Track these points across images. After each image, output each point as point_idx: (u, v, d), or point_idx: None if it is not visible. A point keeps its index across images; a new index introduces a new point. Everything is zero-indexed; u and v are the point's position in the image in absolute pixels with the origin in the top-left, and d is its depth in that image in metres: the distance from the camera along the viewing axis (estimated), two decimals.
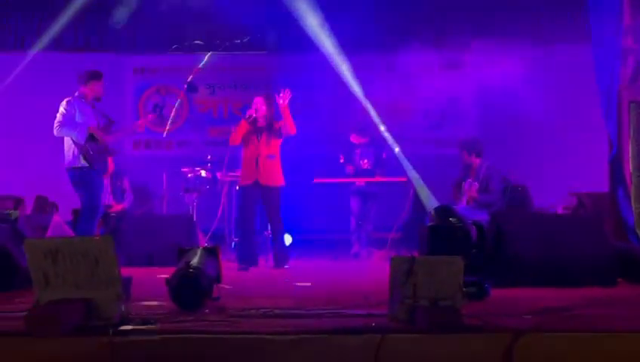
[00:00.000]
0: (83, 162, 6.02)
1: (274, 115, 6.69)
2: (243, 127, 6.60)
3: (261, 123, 6.61)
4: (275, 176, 6.62)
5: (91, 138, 6.08)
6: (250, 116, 6.56)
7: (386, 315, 3.05)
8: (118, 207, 8.37)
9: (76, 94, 6.22)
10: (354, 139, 8.15)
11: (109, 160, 8.47)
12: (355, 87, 9.03)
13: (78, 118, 6.10)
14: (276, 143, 6.67)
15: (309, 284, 4.92)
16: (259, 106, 6.64)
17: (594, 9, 6.20)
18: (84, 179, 6.08)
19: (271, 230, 6.73)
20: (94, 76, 6.31)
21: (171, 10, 9.18)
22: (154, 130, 9.90)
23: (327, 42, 8.67)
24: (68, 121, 6.04)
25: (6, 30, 9.66)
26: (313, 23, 8.57)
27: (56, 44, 9.34)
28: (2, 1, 9.46)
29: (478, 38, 9.08)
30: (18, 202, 7.87)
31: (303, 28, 8.60)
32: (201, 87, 9.61)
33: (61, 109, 6.08)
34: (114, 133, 6.38)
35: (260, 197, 6.62)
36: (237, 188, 8.10)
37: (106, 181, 8.46)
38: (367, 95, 9.09)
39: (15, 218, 4.90)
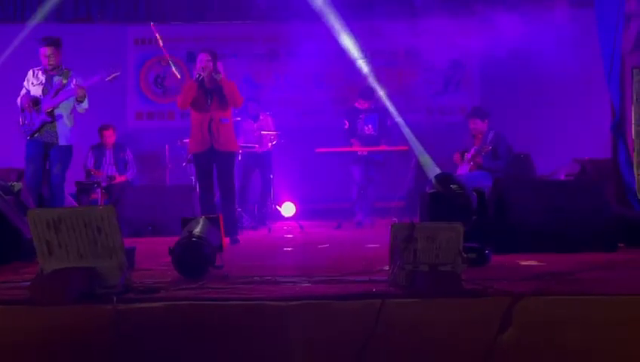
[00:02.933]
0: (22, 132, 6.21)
1: (219, 74, 5.97)
2: (192, 88, 5.94)
3: (210, 84, 5.89)
4: (230, 141, 6.06)
5: (22, 108, 6.17)
6: (200, 75, 5.85)
7: (387, 281, 3.08)
8: (121, 178, 8.40)
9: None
10: (359, 104, 8.13)
11: (108, 132, 8.49)
12: (358, 55, 8.97)
13: (30, 87, 6.22)
14: (229, 107, 6.05)
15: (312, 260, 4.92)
16: (205, 64, 5.89)
17: None
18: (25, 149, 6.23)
19: (221, 197, 6.10)
20: (41, 41, 6.25)
21: None
22: (156, 100, 9.92)
23: (329, 10, 8.61)
24: (22, 94, 6.23)
25: (6, 1, 9.61)
26: None
27: (57, 15, 9.29)
28: None
29: (481, 3, 9.00)
30: (21, 174, 7.89)
31: None
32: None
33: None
34: (56, 99, 6.15)
35: (216, 163, 6.03)
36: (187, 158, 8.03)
37: (109, 152, 8.52)
38: (370, 63, 9.05)
39: (18, 190, 4.93)
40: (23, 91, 6.24)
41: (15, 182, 5.15)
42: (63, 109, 6.20)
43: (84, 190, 8.13)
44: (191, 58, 9.21)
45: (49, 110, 6.13)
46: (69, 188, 8.15)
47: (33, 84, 6.20)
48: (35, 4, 9.31)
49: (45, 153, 6.18)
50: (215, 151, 5.91)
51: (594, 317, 2.73)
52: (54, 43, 6.19)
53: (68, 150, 6.27)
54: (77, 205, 7.73)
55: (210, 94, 5.90)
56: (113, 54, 9.73)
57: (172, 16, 9.85)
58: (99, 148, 8.56)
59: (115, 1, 9.72)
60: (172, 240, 3.65)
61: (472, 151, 7.08)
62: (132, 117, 10.05)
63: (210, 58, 5.89)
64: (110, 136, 8.54)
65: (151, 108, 9.94)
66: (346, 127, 8.10)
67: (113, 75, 6.24)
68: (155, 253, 4.60)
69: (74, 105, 6.21)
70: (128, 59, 10.00)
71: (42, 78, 6.21)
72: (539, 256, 4.21)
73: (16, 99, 6.27)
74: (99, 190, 8.08)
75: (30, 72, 6.28)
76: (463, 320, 2.73)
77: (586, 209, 4.74)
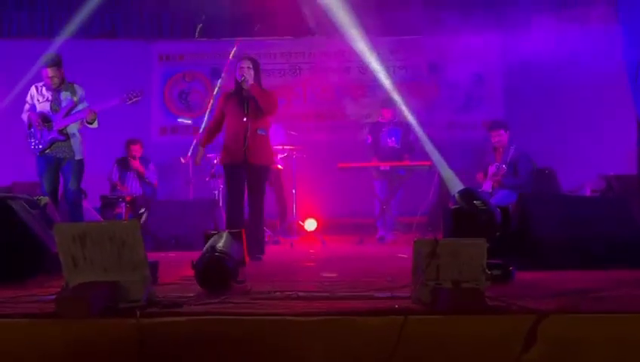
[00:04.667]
0: (32, 149, 6.27)
1: (260, 83, 5.72)
2: (222, 100, 5.74)
3: (253, 93, 5.54)
4: (266, 154, 5.70)
5: (31, 124, 6.22)
6: (244, 78, 5.53)
7: (409, 297, 3.06)
8: (145, 171, 8.49)
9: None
10: (382, 118, 8.13)
11: (136, 147, 8.58)
12: (380, 71, 8.99)
13: (36, 104, 6.28)
14: (265, 117, 5.69)
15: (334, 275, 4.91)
16: (245, 71, 5.58)
17: None
18: (36, 165, 6.30)
19: (250, 214, 5.71)
20: (41, 61, 6.33)
21: None
22: (180, 115, 10.00)
23: (351, 25, 8.64)
24: (26, 109, 6.31)
25: (35, 18, 9.79)
26: (338, 7, 8.54)
27: (84, 32, 9.44)
28: None
29: (504, 21, 8.98)
30: None
31: (329, 12, 8.58)
32: (226, 73, 9.63)
33: (27, 96, 6.37)
34: (68, 118, 6.24)
35: (247, 177, 5.66)
36: (211, 172, 8.02)
37: (133, 167, 8.60)
38: (393, 78, 9.05)
39: (44, 203, 4.98)
40: (27, 107, 6.32)
41: (41, 196, 5.21)
42: (75, 126, 6.32)
43: (108, 204, 8.21)
44: (215, 74, 9.31)
45: (61, 129, 6.21)
46: (94, 202, 8.25)
47: (39, 101, 6.27)
48: (63, 20, 9.47)
49: (57, 167, 6.26)
50: (248, 164, 5.55)
51: (621, 335, 2.68)
52: (55, 63, 6.27)
53: (81, 163, 6.37)
54: (101, 219, 7.81)
55: (247, 103, 5.53)
56: (138, 70, 9.87)
57: (196, 32, 9.95)
58: (124, 163, 8.64)
59: (140, 17, 9.85)
60: (195, 255, 3.67)
61: (494, 168, 7.04)
62: (156, 132, 10.14)
63: (250, 65, 5.61)
64: (137, 151, 8.62)
65: (175, 123, 10.03)
66: (369, 142, 8.10)
67: (134, 98, 6.27)
68: (178, 267, 4.62)
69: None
70: (153, 75, 10.12)
71: (48, 94, 6.28)
72: (564, 273, 4.16)
73: (22, 114, 6.34)
74: (123, 204, 8.14)
75: (33, 88, 6.34)
76: (486, 338, 2.70)
77: (612, 225, 4.69)
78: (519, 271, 3.94)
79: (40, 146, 6.19)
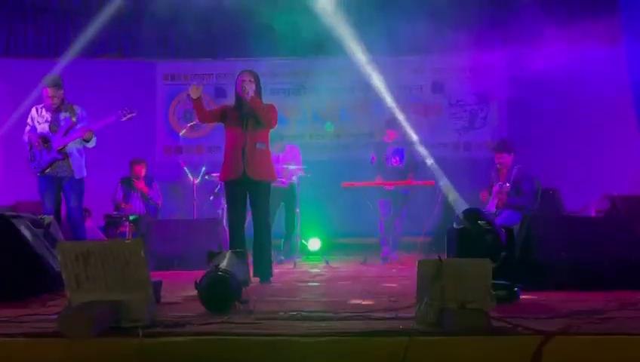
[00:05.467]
0: (32, 169, 6.29)
1: (261, 97, 5.57)
2: (221, 107, 5.69)
3: (249, 106, 5.40)
4: (265, 169, 5.52)
5: (31, 145, 6.26)
6: (244, 90, 5.39)
7: (414, 318, 3.04)
8: (148, 191, 8.49)
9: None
10: (386, 137, 8.14)
11: (140, 166, 8.59)
12: (384, 91, 9.01)
13: (36, 125, 6.31)
14: (265, 131, 5.54)
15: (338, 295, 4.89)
16: (246, 84, 5.44)
17: (625, 7, 6.12)
18: (37, 184, 6.32)
19: (255, 233, 5.54)
20: (42, 82, 6.40)
21: (201, 16, 9.29)
22: (184, 135, 10.03)
23: (356, 46, 8.68)
24: (27, 130, 6.34)
25: (40, 37, 9.86)
26: (342, 27, 8.59)
27: (89, 51, 9.50)
28: (37, 8, 9.66)
29: (508, 40, 9.02)
30: None
31: (333, 33, 8.63)
32: (230, 93, 9.67)
33: (28, 118, 6.42)
34: (67, 138, 6.26)
35: (248, 194, 5.52)
36: (214, 191, 8.00)
37: (137, 186, 8.61)
38: (397, 98, 9.07)
39: (48, 222, 4.99)
40: (27, 128, 6.37)
41: (45, 215, 5.21)
42: (74, 145, 6.35)
43: (112, 223, 8.21)
44: (219, 93, 9.36)
45: (60, 148, 6.25)
46: (98, 220, 8.25)
47: (39, 122, 6.31)
48: (69, 39, 9.54)
49: (58, 187, 6.29)
50: (248, 180, 5.38)
51: (626, 357, 2.66)
52: (55, 84, 6.33)
53: (82, 182, 6.39)
54: (105, 238, 7.81)
55: (246, 117, 5.41)
56: (143, 89, 9.92)
57: (200, 52, 10.02)
58: (128, 182, 8.65)
59: (145, 37, 9.90)
60: (198, 274, 3.66)
61: (497, 187, 7.04)
62: (160, 151, 10.17)
63: (252, 79, 5.48)
64: (141, 170, 8.64)
65: (179, 143, 10.06)
66: (373, 161, 8.10)
67: (129, 115, 6.32)
68: (181, 286, 4.60)
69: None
70: (157, 94, 10.17)
71: (47, 115, 6.32)
72: (569, 294, 4.14)
73: (24, 136, 6.38)
74: (127, 223, 8.15)
75: (34, 110, 6.39)
76: (492, 360, 2.68)
77: (617, 246, 4.67)
78: (524, 292, 3.92)
79: (40, 166, 6.23)
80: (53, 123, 6.30)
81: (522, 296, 3.86)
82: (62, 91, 6.36)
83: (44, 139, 6.24)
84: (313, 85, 9.81)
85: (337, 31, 8.63)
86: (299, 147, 8.38)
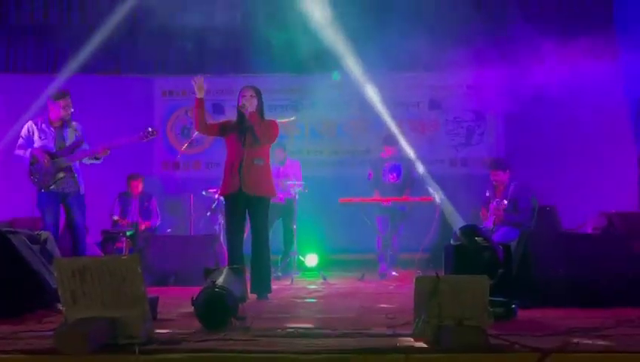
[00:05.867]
0: (33, 184, 6.21)
1: (263, 114, 5.61)
2: (223, 122, 5.70)
3: (248, 122, 5.42)
4: (262, 184, 5.49)
5: (35, 161, 6.18)
6: (244, 106, 5.43)
7: (411, 335, 3.03)
8: (145, 224, 8.45)
9: (46, 116, 6.35)
10: (383, 153, 8.16)
11: (137, 182, 8.60)
12: (381, 107, 9.04)
13: (36, 141, 6.23)
14: (263, 147, 5.55)
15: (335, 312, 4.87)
16: (248, 99, 5.47)
17: (621, 22, 6.16)
18: (37, 201, 6.25)
19: (252, 248, 5.50)
20: (50, 97, 6.34)
21: (199, 33, 9.34)
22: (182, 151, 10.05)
23: (353, 62, 8.72)
24: (21, 145, 6.25)
25: (39, 53, 9.89)
26: (339, 43, 8.63)
27: (88, 67, 9.52)
28: (36, 24, 9.70)
29: (505, 57, 9.06)
30: None
31: (330, 49, 8.66)
32: (227, 109, 9.69)
33: (21, 132, 6.32)
34: (75, 155, 6.24)
35: (246, 209, 5.52)
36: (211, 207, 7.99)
37: (135, 201, 8.61)
38: (394, 114, 9.10)
39: (44, 238, 4.98)
40: (21, 142, 6.26)
41: (42, 231, 5.20)
42: (77, 161, 6.34)
43: (109, 238, 8.18)
44: (216, 110, 9.37)
45: (68, 165, 6.22)
46: (95, 236, 8.23)
47: (41, 137, 6.23)
48: (67, 56, 9.57)
49: (61, 202, 6.24)
50: (246, 196, 5.39)
51: None
52: (69, 95, 6.33)
53: (84, 197, 6.36)
54: (101, 254, 7.79)
55: (245, 132, 5.43)
56: (141, 105, 9.93)
57: (198, 69, 10.03)
58: (125, 197, 8.64)
59: (144, 53, 9.93)
60: (195, 290, 3.65)
61: (494, 204, 7.04)
62: (158, 166, 10.17)
63: (253, 94, 5.50)
64: (137, 186, 8.63)
65: (177, 158, 10.05)
66: (370, 178, 8.11)
67: (150, 137, 6.31)
68: (177, 302, 4.59)
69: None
70: (155, 110, 10.18)
71: (50, 130, 6.27)
72: (567, 311, 4.13)
73: (16, 150, 6.32)
74: (124, 239, 8.13)
75: (32, 124, 6.28)
76: None
77: (614, 263, 4.67)
78: (521, 309, 3.92)
79: (45, 182, 6.17)
80: (59, 139, 6.27)
81: (519, 313, 3.85)
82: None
83: (52, 155, 6.18)
84: (311, 101, 9.83)
85: (335, 47, 8.66)
86: (299, 162, 8.39)
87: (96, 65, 9.74)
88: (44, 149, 6.19)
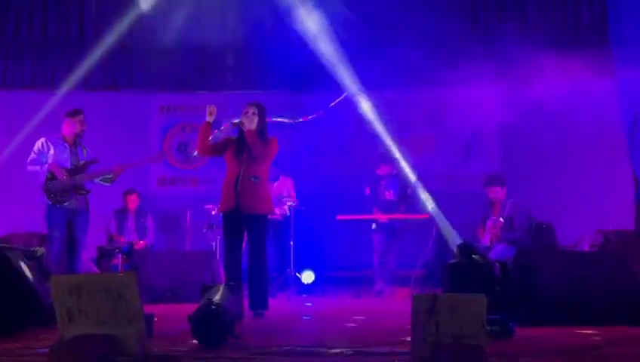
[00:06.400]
0: (46, 199, 6.22)
1: (264, 131, 5.59)
2: (206, 131, 5.56)
3: (247, 139, 5.44)
4: (259, 202, 5.47)
5: (52, 177, 6.22)
6: (242, 123, 5.46)
7: (409, 353, 3.02)
8: (141, 244, 8.43)
9: (59, 134, 6.41)
10: (380, 170, 8.17)
11: (132, 197, 8.60)
12: (378, 124, 9.06)
13: (51, 157, 6.27)
14: (261, 165, 5.54)
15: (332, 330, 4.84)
16: (249, 116, 5.48)
17: (616, 40, 6.20)
18: (46, 215, 6.27)
19: (249, 265, 5.50)
20: (67, 115, 6.42)
21: (197, 48, 9.38)
22: (179, 166, 10.04)
23: (349, 81, 8.75)
24: (35, 160, 6.28)
25: (38, 69, 9.90)
26: (336, 61, 8.67)
27: (85, 83, 9.55)
28: (34, 40, 9.72)
29: (502, 74, 9.10)
30: (43, 239, 7.96)
31: (326, 67, 8.70)
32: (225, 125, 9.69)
33: (34, 147, 6.34)
34: (91, 172, 6.33)
35: (244, 226, 5.54)
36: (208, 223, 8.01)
37: (131, 218, 8.60)
38: (391, 131, 9.12)
39: (41, 255, 4.96)
40: (34, 157, 6.29)
41: (38, 248, 5.18)
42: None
43: (105, 255, 8.17)
44: (214, 125, 9.35)
45: (82, 183, 6.29)
46: (91, 252, 8.20)
47: (57, 154, 6.29)
48: (65, 72, 9.59)
49: (69, 219, 6.27)
50: (241, 213, 5.40)
51: None
52: (84, 113, 6.43)
53: (89, 216, 6.43)
54: (97, 270, 7.76)
55: (242, 149, 5.46)
56: (138, 121, 9.93)
57: (197, 85, 10.07)
58: (122, 213, 8.63)
59: (143, 69, 9.95)
60: (191, 307, 3.64)
61: (491, 221, 7.05)
62: (155, 182, 10.15)
63: (255, 111, 5.49)
64: (134, 201, 8.62)
65: (173, 174, 10.04)
66: (367, 193, 8.11)
67: (161, 159, 6.42)
68: (174, 320, 4.57)
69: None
70: (152, 126, 10.18)
71: (65, 147, 6.34)
72: (564, 330, 4.12)
73: (29, 166, 6.35)
74: (120, 255, 8.10)
75: (46, 141, 6.34)
76: None
77: (611, 281, 4.67)
78: (519, 327, 3.90)
79: (61, 198, 6.19)
80: (73, 156, 6.36)
81: (517, 331, 3.84)
82: None
83: (69, 171, 6.24)
84: (308, 119, 9.85)
85: (331, 64, 8.70)
86: (292, 179, 8.39)
87: (94, 81, 9.77)
88: (60, 165, 6.25)
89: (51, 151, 6.29)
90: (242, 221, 5.47)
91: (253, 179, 5.42)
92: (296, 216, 7.98)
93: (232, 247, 5.50)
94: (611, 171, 8.48)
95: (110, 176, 6.36)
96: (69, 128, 6.35)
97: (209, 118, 5.53)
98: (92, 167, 6.37)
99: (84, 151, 6.43)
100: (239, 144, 5.52)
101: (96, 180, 6.40)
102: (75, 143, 6.39)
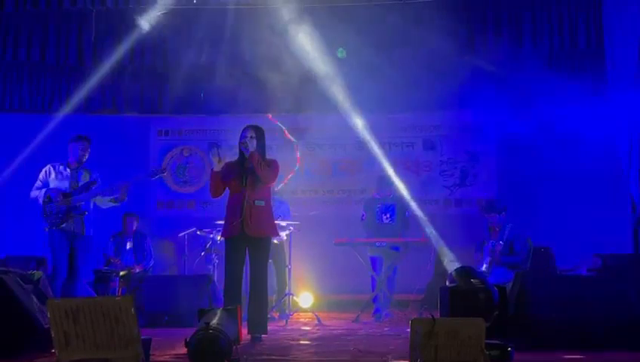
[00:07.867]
0: (45, 223, 6.29)
1: (264, 153, 5.61)
2: (216, 176, 5.54)
3: (249, 162, 5.44)
4: (264, 225, 5.51)
5: (49, 199, 6.29)
6: (243, 143, 5.45)
7: None
8: (138, 268, 8.41)
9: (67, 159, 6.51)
10: (377, 194, 8.17)
11: (131, 219, 8.59)
12: (376, 147, 9.10)
13: (51, 181, 6.39)
14: (264, 187, 5.57)
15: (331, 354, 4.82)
16: (248, 140, 5.47)
17: (612, 63, 6.25)
18: (49, 241, 6.31)
19: (250, 289, 5.52)
20: (70, 140, 6.53)
21: (195, 72, 9.44)
22: (177, 190, 10.05)
23: (348, 103, 8.80)
24: (38, 187, 6.39)
25: (36, 92, 9.95)
26: (335, 85, 8.73)
27: (84, 107, 9.59)
28: (33, 63, 9.78)
29: (499, 98, 9.14)
30: (40, 262, 7.94)
31: (325, 89, 8.76)
32: (224, 148, 9.71)
33: (39, 175, 6.46)
34: (89, 193, 6.34)
35: (247, 250, 5.55)
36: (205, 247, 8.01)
37: (129, 241, 8.58)
38: (387, 155, 9.15)
39: (37, 278, 4.95)
40: (39, 184, 6.40)
41: (35, 271, 5.17)
42: (91, 202, 6.42)
43: (102, 278, 8.11)
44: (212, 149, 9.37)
45: (79, 204, 6.31)
46: (88, 276, 8.17)
47: (58, 178, 6.39)
48: (64, 95, 9.64)
49: (70, 241, 6.30)
50: (247, 237, 5.40)
51: None
52: (89, 140, 6.52)
53: (91, 240, 6.46)
54: (94, 293, 7.72)
55: (245, 174, 5.45)
56: (137, 144, 9.96)
57: (196, 108, 10.13)
58: (120, 237, 8.61)
59: (141, 93, 10.01)
60: (188, 332, 3.62)
61: (489, 245, 7.04)
62: (153, 205, 10.15)
63: (253, 135, 5.48)
64: (132, 223, 8.62)
65: (172, 197, 10.05)
66: (363, 218, 8.09)
67: (159, 175, 6.48)
68: (171, 344, 4.55)
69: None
70: (151, 149, 10.20)
71: (67, 172, 6.43)
72: (563, 354, 4.10)
73: (32, 192, 6.40)
74: (117, 279, 8.07)
75: (50, 168, 6.45)
76: None
77: (609, 305, 4.65)
78: (517, 352, 3.89)
79: (57, 221, 6.25)
80: (73, 180, 6.41)
81: (516, 356, 3.82)
82: None
83: (65, 195, 6.30)
84: (305, 141, 9.89)
85: (330, 88, 8.76)
86: (288, 203, 8.39)
87: (93, 104, 9.83)
88: (58, 190, 6.34)
89: (52, 177, 6.41)
90: (247, 244, 5.48)
91: (257, 202, 5.44)
92: (294, 238, 7.96)
93: (234, 273, 5.47)
94: (608, 195, 8.50)
95: (118, 196, 6.38)
96: (71, 153, 6.47)
97: (216, 168, 5.54)
98: (94, 188, 6.38)
99: (86, 174, 6.46)
100: (241, 168, 5.51)
101: (106, 201, 6.43)
102: (77, 167, 6.45)
